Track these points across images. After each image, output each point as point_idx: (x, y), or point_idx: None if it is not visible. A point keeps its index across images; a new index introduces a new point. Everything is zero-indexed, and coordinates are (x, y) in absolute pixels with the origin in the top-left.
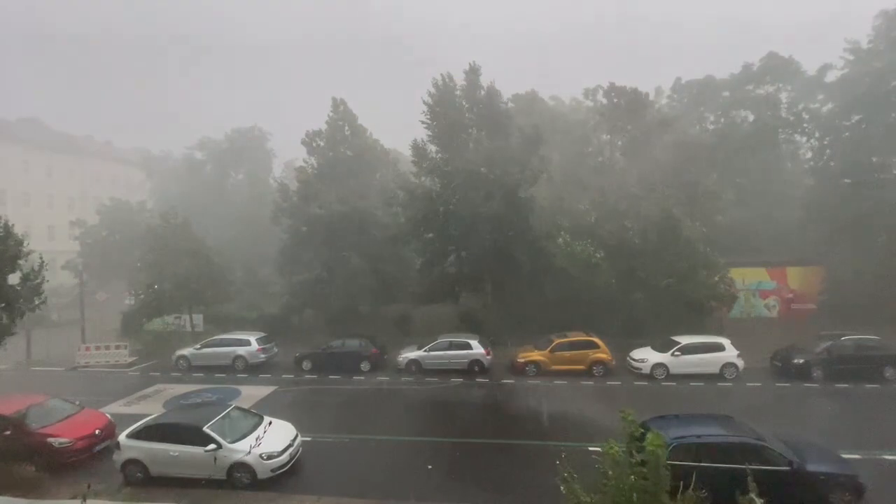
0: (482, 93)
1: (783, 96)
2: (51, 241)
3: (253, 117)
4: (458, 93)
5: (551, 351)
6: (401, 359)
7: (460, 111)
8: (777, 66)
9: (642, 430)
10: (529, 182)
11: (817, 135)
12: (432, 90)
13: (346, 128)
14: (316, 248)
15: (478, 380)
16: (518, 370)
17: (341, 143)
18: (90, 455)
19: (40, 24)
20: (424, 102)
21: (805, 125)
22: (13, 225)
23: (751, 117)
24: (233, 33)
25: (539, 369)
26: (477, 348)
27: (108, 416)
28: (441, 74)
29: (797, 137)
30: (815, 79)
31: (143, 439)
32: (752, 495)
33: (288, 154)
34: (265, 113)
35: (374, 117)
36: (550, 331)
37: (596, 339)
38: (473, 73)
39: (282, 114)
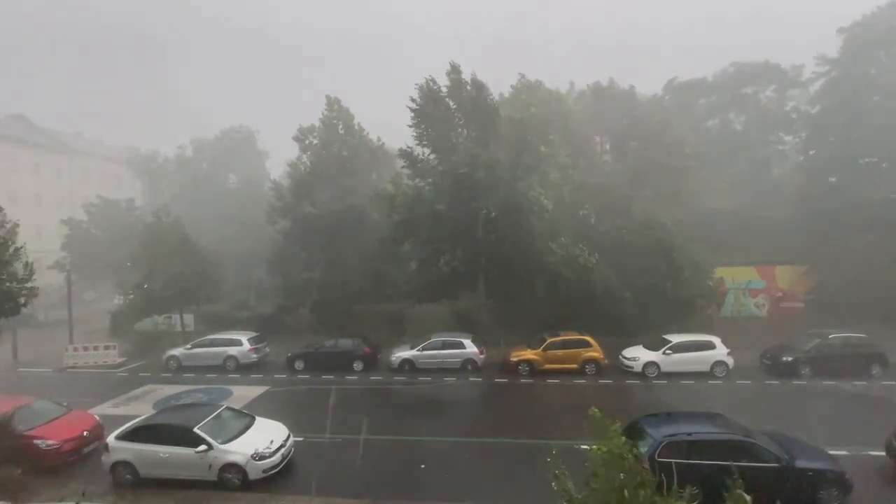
0: (467, 88)
1: (770, 96)
2: (38, 239)
3: (249, 115)
4: (443, 93)
5: (544, 350)
6: (394, 358)
7: (447, 112)
8: (758, 70)
9: (615, 428)
10: (521, 179)
11: (804, 135)
12: (416, 96)
13: (341, 126)
14: (310, 247)
15: (471, 379)
16: (511, 369)
17: (336, 142)
18: (78, 457)
19: (29, 21)
20: (409, 108)
21: (792, 125)
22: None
23: (740, 118)
24: (228, 30)
25: (532, 368)
26: (470, 347)
27: (96, 417)
28: (425, 78)
29: (785, 138)
30: (795, 81)
31: (133, 441)
32: (740, 491)
33: (287, 153)
34: (263, 111)
35: (373, 114)
36: (543, 330)
37: (588, 338)
38: (455, 72)
39: (281, 111)
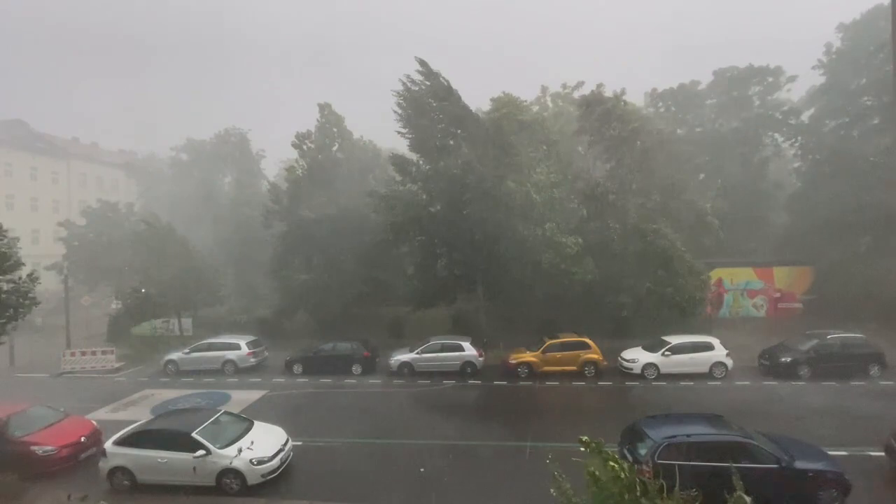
0: (443, 85)
1: (763, 99)
2: (35, 244)
3: (243, 115)
4: (424, 93)
5: (543, 352)
6: (393, 361)
7: (430, 115)
8: (750, 73)
9: (607, 453)
10: (505, 177)
11: (800, 139)
12: (400, 100)
13: (335, 130)
14: (307, 250)
15: (470, 381)
16: (510, 371)
17: (330, 147)
18: (75, 463)
19: (25, 25)
20: (395, 112)
21: (785, 129)
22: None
23: (733, 121)
24: (222, 32)
25: (531, 370)
26: (469, 350)
27: (93, 422)
28: (400, 80)
29: (780, 142)
30: (789, 84)
31: (130, 446)
32: (740, 493)
33: (283, 153)
34: (258, 111)
35: (368, 114)
36: (542, 332)
37: (587, 340)
38: (426, 66)
39: (277, 111)
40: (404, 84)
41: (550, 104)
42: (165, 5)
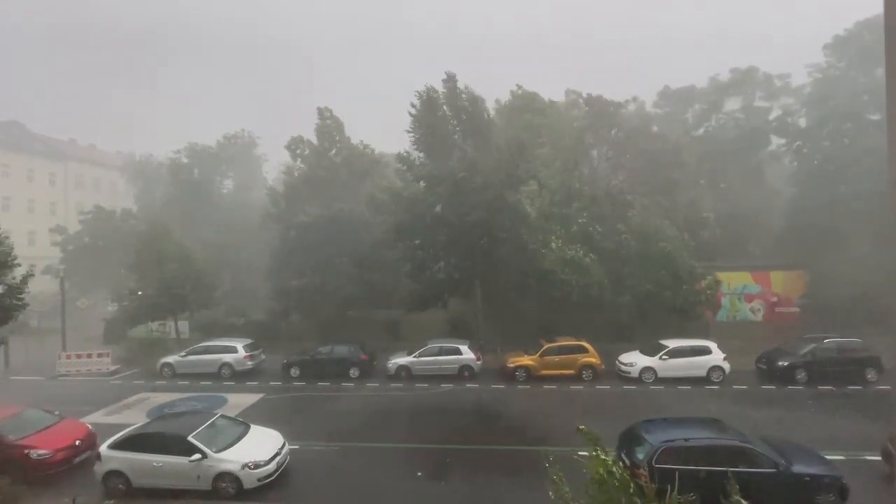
0: (463, 98)
1: (758, 105)
2: (31, 246)
3: (243, 119)
4: (441, 101)
5: (541, 355)
6: (390, 365)
7: (444, 119)
8: (746, 77)
9: (601, 447)
10: (514, 187)
11: (796, 144)
12: (415, 102)
13: (335, 135)
14: (305, 253)
15: (468, 385)
16: (508, 375)
17: (328, 151)
18: (70, 467)
19: (21, 25)
20: (410, 114)
21: (783, 135)
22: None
23: (729, 125)
24: (222, 31)
25: (529, 374)
26: (467, 353)
27: (89, 426)
28: (424, 86)
29: (776, 145)
30: (784, 88)
31: (126, 450)
32: (738, 497)
33: (285, 156)
34: (259, 114)
35: (366, 119)
36: (540, 335)
37: (585, 344)
38: (451, 80)
39: (279, 114)
40: (426, 92)
41: (564, 98)
42: (164, 5)
